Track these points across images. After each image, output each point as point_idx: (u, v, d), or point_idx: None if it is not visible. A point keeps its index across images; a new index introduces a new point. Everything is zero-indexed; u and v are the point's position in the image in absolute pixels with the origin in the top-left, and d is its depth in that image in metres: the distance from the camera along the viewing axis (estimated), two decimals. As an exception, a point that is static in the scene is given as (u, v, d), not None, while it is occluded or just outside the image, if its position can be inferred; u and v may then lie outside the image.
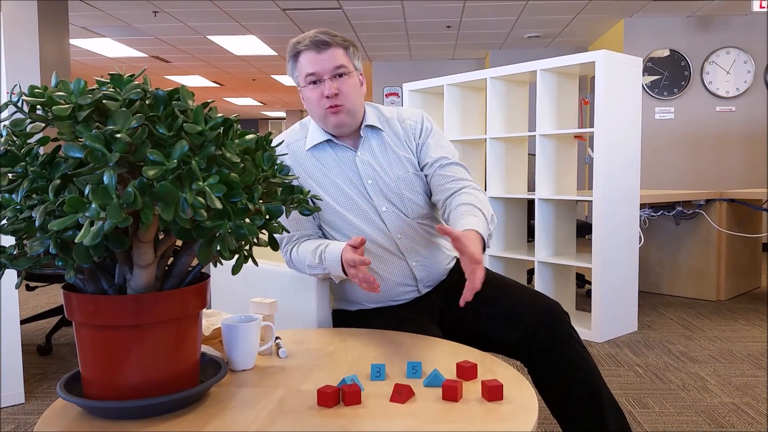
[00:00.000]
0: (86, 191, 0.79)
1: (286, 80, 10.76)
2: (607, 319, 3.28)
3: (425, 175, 1.66)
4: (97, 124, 0.88)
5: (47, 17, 5.01)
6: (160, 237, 1.02)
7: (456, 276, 1.69)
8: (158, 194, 0.81)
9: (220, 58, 8.54)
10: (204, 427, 0.94)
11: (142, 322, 0.98)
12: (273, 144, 1.67)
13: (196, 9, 5.99)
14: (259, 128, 18.16)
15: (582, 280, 4.43)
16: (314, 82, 1.56)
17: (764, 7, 5.23)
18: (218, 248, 0.91)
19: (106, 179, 0.80)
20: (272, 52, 8.16)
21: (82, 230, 0.78)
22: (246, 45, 7.67)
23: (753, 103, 6.37)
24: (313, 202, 1.60)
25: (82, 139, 0.83)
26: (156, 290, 1.02)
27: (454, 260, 1.72)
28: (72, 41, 7.17)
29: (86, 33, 6.95)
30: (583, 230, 4.08)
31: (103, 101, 0.86)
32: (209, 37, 7.22)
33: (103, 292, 1.02)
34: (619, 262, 3.34)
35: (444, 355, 1.28)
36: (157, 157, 0.82)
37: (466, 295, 1.28)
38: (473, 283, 1.28)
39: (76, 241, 0.79)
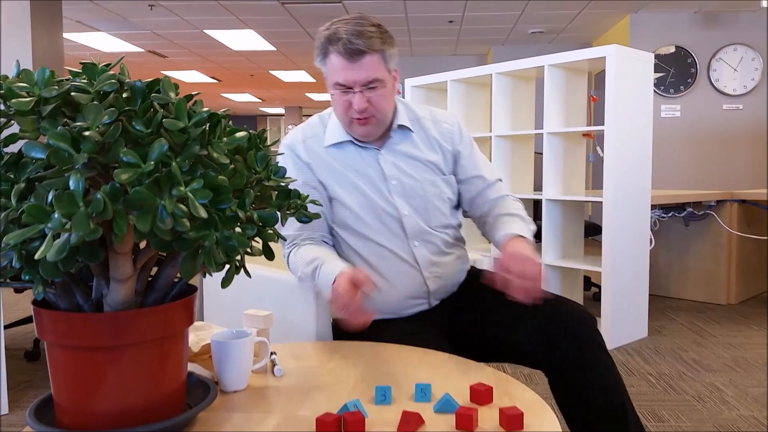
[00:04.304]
0: (49, 198, 0.68)
1: (284, 76, 10.64)
2: (617, 325, 3.17)
3: (461, 189, 1.59)
4: (66, 120, 0.77)
5: (40, 10, 4.88)
6: (142, 246, 0.91)
7: (466, 287, 1.59)
8: (132, 201, 0.69)
9: (218, 53, 8.41)
10: (188, 465, 0.83)
11: (120, 342, 0.87)
12: (288, 138, 1.56)
13: (193, 2, 5.87)
14: (257, 125, 18.03)
15: (588, 283, 4.32)
16: (343, 90, 1.42)
17: (774, 3, 5.11)
18: (203, 262, 0.79)
19: (72, 184, 0.68)
20: (271, 47, 8.04)
21: (44, 244, 0.67)
22: (244, 40, 7.54)
23: (760, 101, 6.25)
24: (330, 203, 1.49)
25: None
26: (136, 306, 0.91)
27: (466, 274, 1.62)
28: (66, 35, 7.04)
29: (81, 27, 6.82)
30: (589, 230, 3.97)
31: (72, 93, 0.75)
32: (206, 31, 7.09)
33: (78, 307, 0.91)
34: (629, 265, 3.23)
35: (454, 373, 1.17)
36: (131, 159, 0.70)
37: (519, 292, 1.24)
38: (528, 281, 1.23)
39: (36, 257, 0.68)
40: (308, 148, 1.51)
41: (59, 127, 0.70)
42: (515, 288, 1.23)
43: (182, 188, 0.72)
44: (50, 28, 5.04)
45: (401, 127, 1.52)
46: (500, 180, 1.62)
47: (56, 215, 0.67)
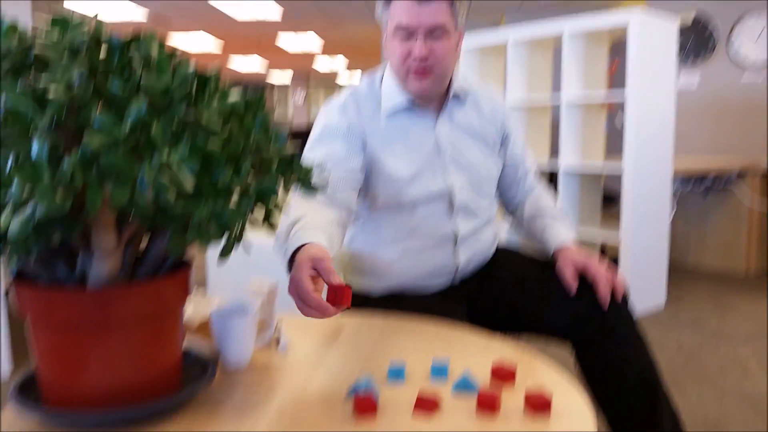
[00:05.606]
0: (9, 165, 0.60)
1: (291, 44, 10.42)
2: (636, 296, 3.08)
3: (502, 172, 1.53)
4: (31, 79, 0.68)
5: (41, -23, 4.76)
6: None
7: (492, 263, 1.51)
8: (106, 171, 0.61)
9: (223, 23, 8.24)
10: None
11: (107, 321, 0.79)
12: (341, 100, 1.41)
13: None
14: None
15: (602, 252, 4.22)
16: (404, 36, 1.32)
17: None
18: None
19: (35, 150, 0.60)
20: (278, 8, 7.86)
21: (3, 216, 0.59)
22: (250, 6, 7.36)
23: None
24: (371, 173, 1.38)
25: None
26: (124, 281, 0.83)
27: (494, 250, 1.54)
28: (67, 4, 6.90)
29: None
30: (604, 200, 3.87)
31: (37, 48, 0.66)
32: (211, 2, 6.93)
33: (63, 280, 0.83)
34: (648, 236, 3.13)
35: (475, 348, 1.09)
36: (105, 121, 0.62)
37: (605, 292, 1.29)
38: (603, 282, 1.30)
39: (-2, 231, 0.60)
40: (361, 114, 1.39)
41: (20, 86, 0.61)
42: (603, 287, 1.28)
43: (164, 156, 0.64)
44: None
45: (456, 96, 1.42)
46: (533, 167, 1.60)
47: (15, 186, 0.59)
